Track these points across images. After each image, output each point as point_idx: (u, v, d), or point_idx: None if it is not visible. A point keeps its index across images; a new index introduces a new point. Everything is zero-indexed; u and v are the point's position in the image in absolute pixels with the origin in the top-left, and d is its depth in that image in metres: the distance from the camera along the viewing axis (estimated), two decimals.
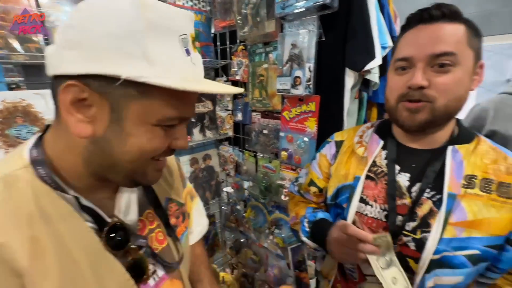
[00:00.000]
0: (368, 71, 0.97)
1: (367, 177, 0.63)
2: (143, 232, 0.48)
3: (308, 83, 1.03)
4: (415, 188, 0.56)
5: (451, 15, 0.51)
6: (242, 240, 1.60)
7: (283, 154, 1.19)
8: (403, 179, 0.58)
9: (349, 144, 0.71)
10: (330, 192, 0.71)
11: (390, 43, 1.01)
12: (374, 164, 0.63)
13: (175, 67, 0.35)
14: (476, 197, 0.51)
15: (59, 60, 0.34)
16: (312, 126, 1.10)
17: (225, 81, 1.49)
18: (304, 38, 1.00)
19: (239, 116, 1.44)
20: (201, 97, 1.49)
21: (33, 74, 1.01)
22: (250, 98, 1.31)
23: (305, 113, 1.11)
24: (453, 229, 0.51)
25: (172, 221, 0.54)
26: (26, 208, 0.34)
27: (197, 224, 0.69)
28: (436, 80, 0.51)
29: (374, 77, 0.99)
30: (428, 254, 0.52)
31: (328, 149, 0.75)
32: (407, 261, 0.55)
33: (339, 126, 1.06)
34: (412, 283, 0.54)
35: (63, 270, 0.35)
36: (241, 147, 1.51)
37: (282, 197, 1.23)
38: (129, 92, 0.34)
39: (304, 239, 0.72)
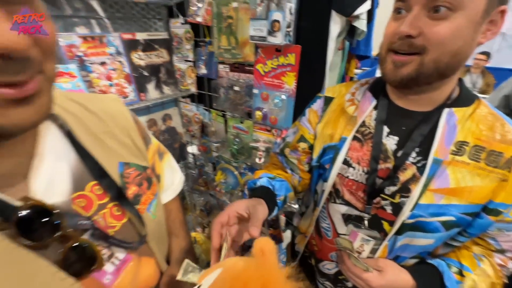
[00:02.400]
0: (357, 17, 0.83)
1: (354, 138, 0.58)
2: (88, 210, 0.38)
3: (288, 29, 0.86)
4: (401, 152, 0.53)
5: None
6: (212, 203, 1.55)
7: (258, 114, 1.06)
8: (390, 142, 0.54)
9: (339, 102, 0.64)
10: (316, 153, 0.65)
11: None
12: (363, 124, 0.58)
13: None
14: (463, 164, 0.48)
15: None
16: (290, 82, 0.97)
17: (182, 23, 1.21)
18: None
19: (203, 69, 1.22)
20: (152, 44, 1.20)
21: None
22: (216, 47, 1.09)
23: (283, 66, 0.96)
24: (432, 195, 0.49)
25: (133, 190, 0.45)
26: None
27: (171, 182, 0.61)
28: (429, 29, 0.42)
29: (362, 24, 0.86)
30: (403, 218, 0.51)
31: (318, 105, 0.68)
32: (382, 223, 0.56)
33: (319, 82, 0.95)
34: (382, 242, 0.56)
35: None
36: (207, 106, 1.33)
37: (257, 160, 1.15)
38: None
39: None
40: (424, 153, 0.50)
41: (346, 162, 0.58)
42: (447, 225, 0.50)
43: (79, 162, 0.38)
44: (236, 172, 1.33)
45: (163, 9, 1.27)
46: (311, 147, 0.68)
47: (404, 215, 0.51)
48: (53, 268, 0.31)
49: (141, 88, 1.20)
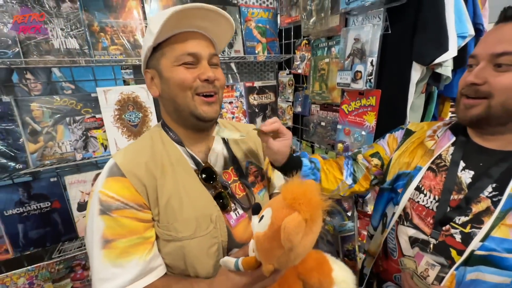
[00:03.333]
0: (439, 64, 0.91)
1: (429, 168, 0.64)
2: (228, 179, 0.68)
3: (370, 77, 1.03)
4: (476, 186, 0.56)
5: None
6: None
7: (340, 146, 1.22)
8: (465, 175, 0.59)
9: (420, 136, 0.72)
10: (389, 177, 0.74)
11: (471, 31, 0.92)
12: (439, 157, 0.64)
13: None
14: None
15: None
16: (371, 120, 1.10)
17: (287, 74, 1.58)
18: (369, 32, 1.00)
19: (299, 108, 1.52)
20: (264, 89, 1.62)
21: (139, 72, 1.31)
22: (310, 91, 1.37)
23: (365, 107, 1.12)
24: (507, 230, 0.50)
25: (251, 178, 0.72)
26: (159, 148, 0.61)
27: (278, 186, 0.84)
28: (493, 79, 0.51)
29: (446, 70, 0.92)
30: (472, 247, 0.53)
31: (399, 133, 0.78)
32: (450, 250, 0.57)
33: (400, 121, 1.04)
34: (448, 270, 0.56)
35: (173, 187, 0.58)
36: (299, 137, 1.59)
37: None
38: (157, 56, 0.58)
39: None
40: (501, 189, 0.54)
41: (418, 189, 0.65)
42: None
43: (227, 154, 0.69)
44: None
45: (275, 64, 1.70)
46: (383, 166, 0.77)
47: (474, 245, 0.53)
48: (212, 199, 0.61)
49: (251, 121, 1.61)
